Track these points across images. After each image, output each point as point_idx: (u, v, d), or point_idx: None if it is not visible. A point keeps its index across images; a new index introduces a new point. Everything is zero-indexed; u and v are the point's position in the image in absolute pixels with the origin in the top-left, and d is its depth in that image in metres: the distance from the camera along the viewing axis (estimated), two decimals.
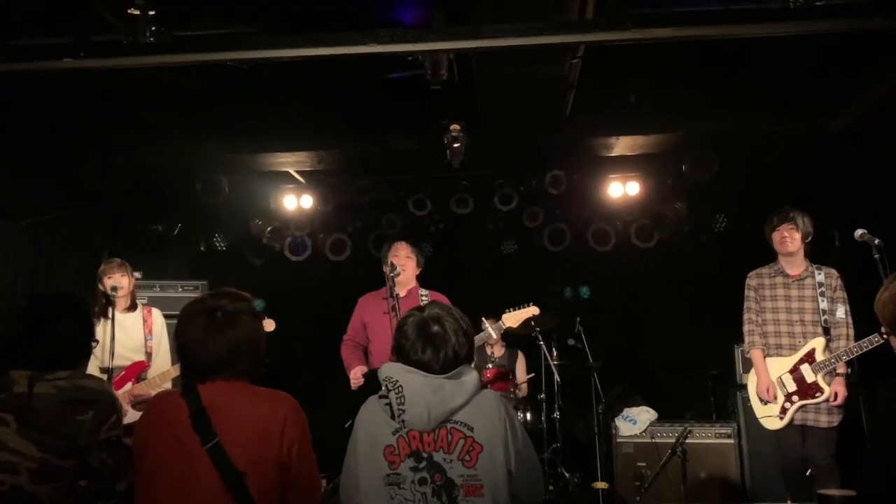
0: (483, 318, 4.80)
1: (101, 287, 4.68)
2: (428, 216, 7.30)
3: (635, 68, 4.71)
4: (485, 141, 5.75)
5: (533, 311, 4.87)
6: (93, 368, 4.50)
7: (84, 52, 3.58)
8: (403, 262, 4.58)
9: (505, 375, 6.01)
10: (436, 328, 2.39)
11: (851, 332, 4.41)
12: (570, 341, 6.49)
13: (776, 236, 4.58)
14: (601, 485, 5.67)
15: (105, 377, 4.39)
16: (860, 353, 4.28)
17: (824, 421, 4.35)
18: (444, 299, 4.59)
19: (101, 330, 4.57)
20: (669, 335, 7.25)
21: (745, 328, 4.66)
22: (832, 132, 5.52)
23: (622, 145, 6.07)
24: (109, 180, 6.27)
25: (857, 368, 5.50)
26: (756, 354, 4.58)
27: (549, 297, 6.63)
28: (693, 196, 6.98)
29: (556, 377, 6.15)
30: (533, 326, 6.11)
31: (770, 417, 4.49)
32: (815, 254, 6.53)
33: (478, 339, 4.73)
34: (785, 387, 4.46)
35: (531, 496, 2.42)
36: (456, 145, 5.52)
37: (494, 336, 4.86)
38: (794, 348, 4.50)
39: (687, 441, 5.42)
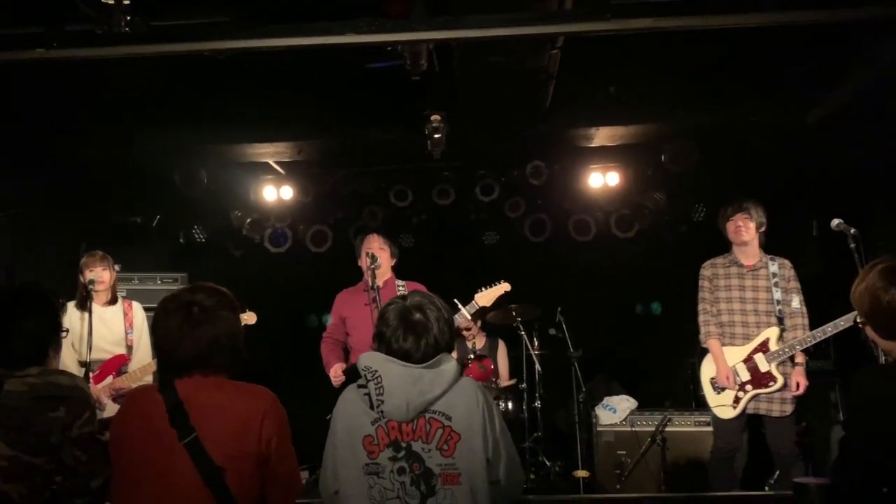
0: (455, 301, 4.81)
1: (81, 279, 4.63)
2: (409, 207, 7.28)
3: (615, 59, 4.72)
4: (466, 131, 5.74)
5: (504, 287, 4.85)
6: (72, 362, 4.47)
7: (57, 42, 3.53)
8: (377, 254, 4.57)
9: (483, 361, 6.00)
10: (418, 316, 2.40)
11: (807, 321, 4.45)
12: (551, 331, 6.51)
13: (730, 226, 4.59)
14: (582, 473, 5.71)
15: (83, 371, 4.35)
16: (815, 342, 4.34)
17: (776, 410, 4.38)
18: (422, 289, 4.59)
19: (79, 325, 4.53)
20: (649, 324, 7.31)
21: (700, 318, 4.66)
22: (811, 122, 5.57)
23: (602, 136, 6.10)
24: (87, 172, 6.20)
25: (834, 357, 5.59)
26: (713, 343, 4.58)
27: (531, 288, 6.64)
28: (673, 186, 7.02)
29: (538, 367, 6.18)
30: (514, 316, 6.13)
31: (723, 406, 4.49)
32: (793, 243, 6.61)
33: None
34: (738, 376, 4.47)
35: (511, 485, 2.43)
36: (437, 136, 5.51)
37: (468, 316, 4.86)
38: (747, 338, 4.51)
39: (667, 429, 5.47)
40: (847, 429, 2.26)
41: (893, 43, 4.37)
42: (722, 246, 4.96)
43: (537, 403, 6.19)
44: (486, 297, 4.81)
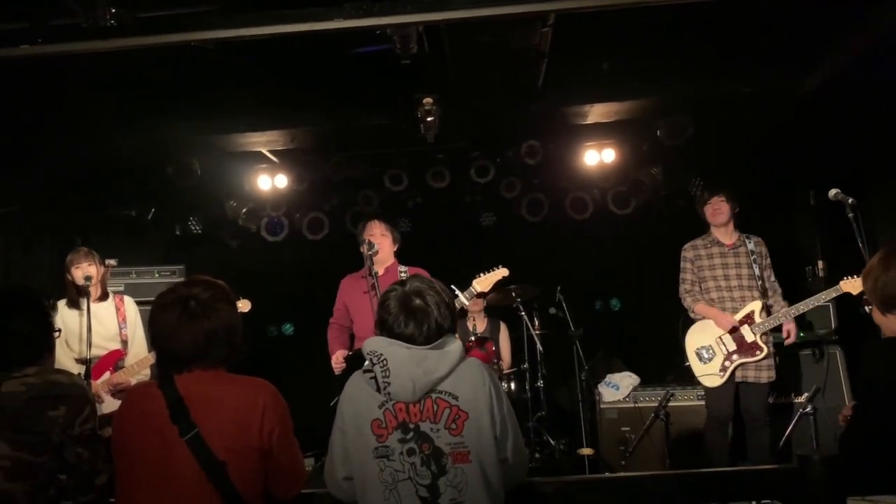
0: (453, 287, 4.80)
1: (69, 277, 4.61)
2: (405, 191, 7.25)
3: (607, 35, 4.67)
4: (459, 113, 5.70)
5: (502, 272, 4.87)
6: (67, 360, 4.46)
7: (42, 37, 3.48)
8: (379, 241, 4.55)
9: (484, 343, 6.00)
10: (418, 302, 2.40)
11: (780, 291, 4.82)
12: (552, 310, 6.51)
13: (708, 209, 4.89)
14: (586, 451, 5.73)
15: (84, 368, 4.35)
16: (797, 314, 4.66)
17: (764, 377, 4.66)
18: (424, 274, 4.58)
19: (77, 321, 4.52)
20: (649, 300, 7.30)
21: (684, 290, 4.90)
22: (805, 92, 5.53)
23: (596, 113, 6.05)
24: (79, 166, 6.16)
25: (836, 328, 5.60)
26: (701, 307, 4.81)
27: (530, 268, 6.63)
28: (668, 161, 6.99)
29: (539, 346, 6.18)
30: (514, 297, 6.13)
31: (710, 375, 4.71)
32: (790, 214, 6.59)
33: None
34: (725, 346, 4.70)
35: (517, 464, 2.45)
36: (430, 119, 5.46)
37: (466, 303, 4.86)
38: (733, 311, 4.75)
39: (669, 404, 5.49)
40: (857, 402, 2.26)
41: (888, 9, 4.33)
42: None
43: (540, 383, 6.22)
44: (484, 282, 4.82)
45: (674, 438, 5.45)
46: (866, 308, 2.50)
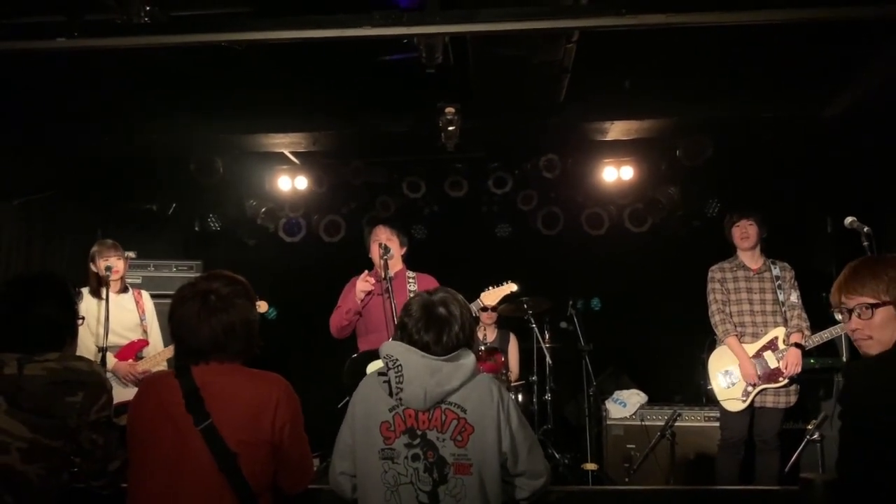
0: None
1: (93, 267, 4.69)
2: (422, 198, 7.30)
3: (631, 53, 4.71)
4: (479, 124, 5.74)
5: (510, 288, 4.86)
6: (91, 344, 4.54)
7: (78, 31, 3.56)
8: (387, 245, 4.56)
9: (493, 353, 6.02)
10: (441, 311, 2.45)
11: (804, 313, 4.73)
12: (563, 324, 6.52)
13: (737, 231, 4.83)
14: (591, 466, 5.73)
15: (100, 356, 4.42)
16: (822, 342, 4.60)
17: (783, 402, 4.64)
18: (432, 280, 4.61)
19: (96, 310, 4.59)
20: (661, 319, 7.30)
21: (717, 318, 4.80)
22: (825, 118, 5.54)
23: (617, 130, 6.07)
24: (103, 159, 6.26)
25: (848, 356, 5.57)
26: (732, 342, 4.71)
27: (543, 281, 6.64)
28: (687, 181, 7.00)
29: (548, 360, 6.20)
30: (525, 309, 6.15)
31: (733, 400, 4.68)
32: (807, 240, 6.57)
33: None
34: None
35: (537, 473, 2.49)
36: (451, 128, 5.50)
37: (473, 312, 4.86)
38: (756, 336, 4.73)
39: (676, 424, 5.47)
40: (842, 424, 2.27)
41: None
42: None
43: (547, 396, 6.22)
44: (491, 296, 4.81)
45: (679, 458, 5.44)
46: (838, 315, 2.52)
